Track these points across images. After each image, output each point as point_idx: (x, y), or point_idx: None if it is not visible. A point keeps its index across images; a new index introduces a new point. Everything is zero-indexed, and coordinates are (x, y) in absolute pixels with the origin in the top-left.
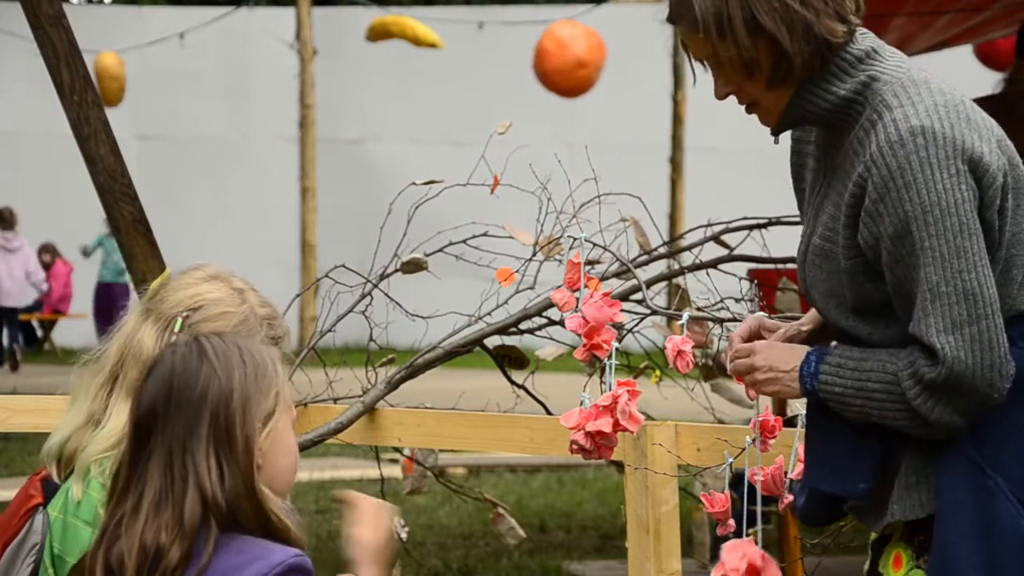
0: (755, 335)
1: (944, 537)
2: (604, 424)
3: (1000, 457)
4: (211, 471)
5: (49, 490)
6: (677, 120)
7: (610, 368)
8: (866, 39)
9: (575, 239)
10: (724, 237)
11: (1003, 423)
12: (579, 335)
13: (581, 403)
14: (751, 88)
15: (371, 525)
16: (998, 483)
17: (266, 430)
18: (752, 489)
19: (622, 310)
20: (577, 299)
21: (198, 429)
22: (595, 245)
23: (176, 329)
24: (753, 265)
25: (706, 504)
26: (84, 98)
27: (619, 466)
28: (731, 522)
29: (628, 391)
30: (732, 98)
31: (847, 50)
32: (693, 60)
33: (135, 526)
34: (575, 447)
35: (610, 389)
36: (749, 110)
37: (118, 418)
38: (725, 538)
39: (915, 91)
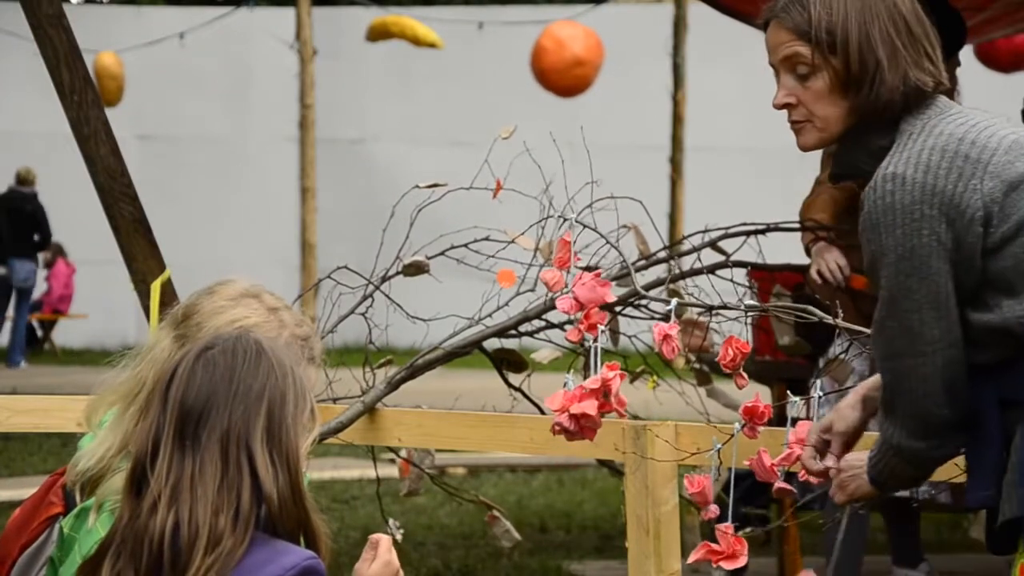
0: (828, 427)
1: None
2: (589, 406)
3: None
4: (267, 466)
5: (71, 501)
6: (677, 120)
7: (595, 351)
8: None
9: (565, 219)
10: (724, 242)
11: None
12: (570, 314)
13: (564, 385)
14: (816, 106)
15: (381, 563)
16: None
17: (308, 442)
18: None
19: (619, 313)
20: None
21: (256, 422)
22: (594, 230)
23: None
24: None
25: (687, 485)
26: (84, 98)
27: (617, 472)
28: (713, 507)
29: (617, 374)
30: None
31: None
32: (773, 63)
33: (192, 502)
34: (558, 428)
35: (596, 372)
36: (794, 125)
37: None
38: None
39: (912, 139)
